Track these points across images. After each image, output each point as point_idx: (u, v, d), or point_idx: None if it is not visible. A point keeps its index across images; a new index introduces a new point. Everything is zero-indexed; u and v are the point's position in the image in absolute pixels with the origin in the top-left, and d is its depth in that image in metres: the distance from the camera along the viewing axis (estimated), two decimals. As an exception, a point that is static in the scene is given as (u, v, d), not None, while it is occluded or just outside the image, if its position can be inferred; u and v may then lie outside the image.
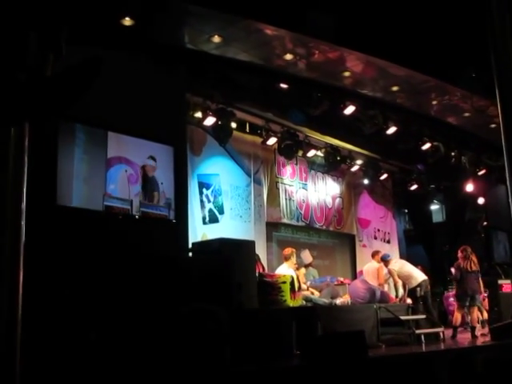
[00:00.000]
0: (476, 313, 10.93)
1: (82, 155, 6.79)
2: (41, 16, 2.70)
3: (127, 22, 7.52)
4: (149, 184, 7.51)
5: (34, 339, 2.75)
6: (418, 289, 10.55)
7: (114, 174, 7.08)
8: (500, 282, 12.55)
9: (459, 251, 10.88)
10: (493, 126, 11.28)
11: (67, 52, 3.34)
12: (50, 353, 4.69)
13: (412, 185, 15.58)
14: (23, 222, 2.45)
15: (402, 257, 16.43)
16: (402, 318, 9.82)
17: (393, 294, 12.85)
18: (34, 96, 2.51)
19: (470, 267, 10.64)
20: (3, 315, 2.36)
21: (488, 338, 10.18)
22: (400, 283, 13.01)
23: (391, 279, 13.20)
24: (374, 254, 12.64)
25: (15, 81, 2.47)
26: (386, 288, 13.00)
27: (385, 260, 11.61)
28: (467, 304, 10.66)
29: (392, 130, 11.82)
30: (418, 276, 10.86)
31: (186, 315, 2.02)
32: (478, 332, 10.65)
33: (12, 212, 2.44)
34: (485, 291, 12.38)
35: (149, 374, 3.99)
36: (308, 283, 10.73)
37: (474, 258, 10.81)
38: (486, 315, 12.25)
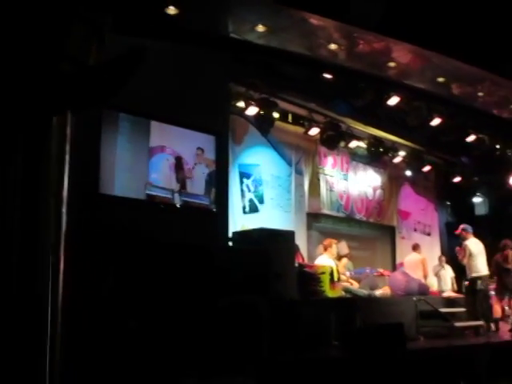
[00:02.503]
0: None
1: (125, 144, 6.83)
2: (84, 5, 2.72)
3: (171, 10, 7.54)
4: (190, 173, 7.53)
5: (74, 327, 2.81)
6: (479, 281, 10.08)
7: (156, 163, 7.12)
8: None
9: (501, 245, 10.77)
10: (542, 119, 11.03)
11: (112, 41, 3.36)
12: (91, 340, 4.77)
13: (455, 177, 15.37)
14: (64, 210, 2.49)
15: (443, 250, 16.28)
16: (442, 310, 9.75)
17: (444, 287, 12.74)
18: (76, 85, 2.53)
19: (508, 263, 10.55)
20: (46, 303, 2.40)
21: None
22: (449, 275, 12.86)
23: (442, 271, 13.08)
24: (415, 247, 12.54)
25: (58, 70, 2.49)
26: (436, 280, 12.88)
27: (465, 231, 10.69)
28: (506, 298, 10.57)
29: (436, 121, 11.67)
30: (480, 270, 10.23)
31: (226, 307, 2.05)
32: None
33: (55, 200, 2.48)
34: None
35: (187, 364, 4.04)
36: (347, 274, 10.69)
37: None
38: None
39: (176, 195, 7.24)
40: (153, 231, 6.41)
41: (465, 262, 10.32)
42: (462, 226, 10.77)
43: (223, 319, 2.08)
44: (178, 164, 7.36)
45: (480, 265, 10.19)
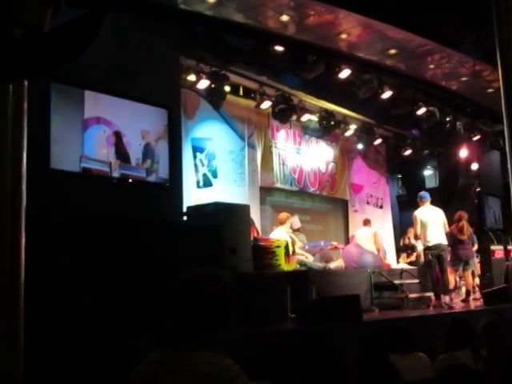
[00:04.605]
0: (470, 277, 11.00)
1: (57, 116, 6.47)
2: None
3: (120, -19, 7.33)
4: (134, 146, 7.33)
5: (32, 302, 2.71)
6: (427, 251, 9.87)
7: (91, 135, 6.84)
8: (492, 247, 12.60)
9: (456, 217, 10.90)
10: (490, 90, 11.15)
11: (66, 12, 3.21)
12: (47, 315, 4.66)
13: (406, 150, 15.53)
14: (24, 187, 2.37)
15: (394, 222, 16.52)
16: (396, 282, 9.87)
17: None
18: (31, 52, 2.39)
19: (463, 234, 10.72)
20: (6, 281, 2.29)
21: (480, 303, 10.28)
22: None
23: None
24: (366, 222, 12.67)
25: (11, 36, 2.36)
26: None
27: (419, 198, 10.24)
28: (461, 268, 10.75)
29: (387, 94, 11.68)
30: (430, 239, 9.82)
31: (188, 280, 1.99)
32: (470, 297, 10.74)
33: (12, 176, 2.34)
34: (477, 256, 12.47)
35: (148, 340, 3.97)
36: (301, 246, 10.71)
37: (468, 227, 10.92)
38: (477, 281, 12.35)
39: (114, 168, 6.97)
40: (108, 207, 6.25)
41: (418, 232, 10.04)
42: (418, 194, 10.49)
43: (184, 294, 2.02)
44: (117, 137, 7.09)
45: (430, 234, 9.84)
